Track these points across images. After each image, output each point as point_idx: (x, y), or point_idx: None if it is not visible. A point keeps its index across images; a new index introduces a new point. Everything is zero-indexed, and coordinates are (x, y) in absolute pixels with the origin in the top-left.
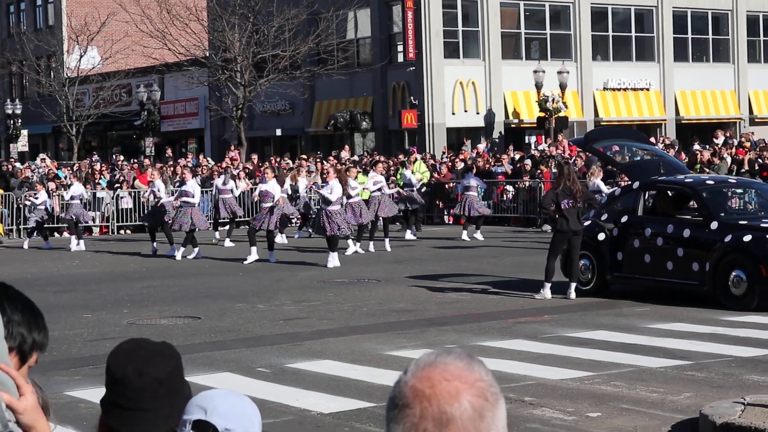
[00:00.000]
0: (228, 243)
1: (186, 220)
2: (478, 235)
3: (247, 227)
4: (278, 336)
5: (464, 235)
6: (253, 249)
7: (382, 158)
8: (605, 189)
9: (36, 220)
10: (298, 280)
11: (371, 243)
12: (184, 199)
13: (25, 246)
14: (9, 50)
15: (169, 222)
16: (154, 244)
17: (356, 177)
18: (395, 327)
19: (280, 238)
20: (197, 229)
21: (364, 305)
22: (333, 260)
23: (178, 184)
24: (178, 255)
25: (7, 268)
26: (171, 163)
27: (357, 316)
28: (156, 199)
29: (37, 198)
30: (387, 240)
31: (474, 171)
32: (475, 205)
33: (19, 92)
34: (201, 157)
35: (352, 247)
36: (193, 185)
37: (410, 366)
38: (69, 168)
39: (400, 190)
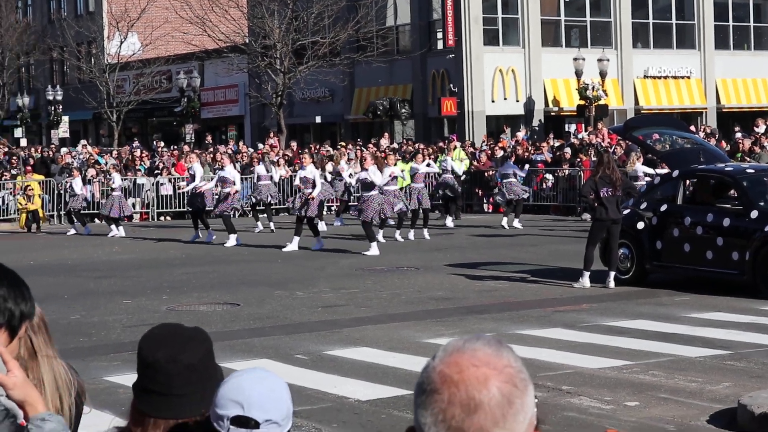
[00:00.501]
0: (272, 226)
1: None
2: (517, 224)
3: (291, 215)
4: (317, 323)
5: (504, 222)
6: (296, 239)
7: (422, 146)
8: (649, 170)
9: (72, 207)
10: (337, 268)
11: (411, 231)
12: (227, 190)
13: (71, 233)
14: (50, 36)
15: (211, 208)
16: (198, 232)
17: (395, 164)
18: (434, 315)
19: (321, 225)
20: (236, 214)
21: (402, 293)
22: (372, 248)
23: (217, 169)
24: (229, 242)
25: (48, 253)
26: (210, 149)
27: (395, 304)
28: (192, 184)
29: (74, 183)
30: (426, 229)
31: (513, 159)
32: (513, 188)
33: (60, 78)
34: (241, 143)
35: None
36: (231, 171)
37: (438, 352)
38: (109, 154)
39: (442, 176)
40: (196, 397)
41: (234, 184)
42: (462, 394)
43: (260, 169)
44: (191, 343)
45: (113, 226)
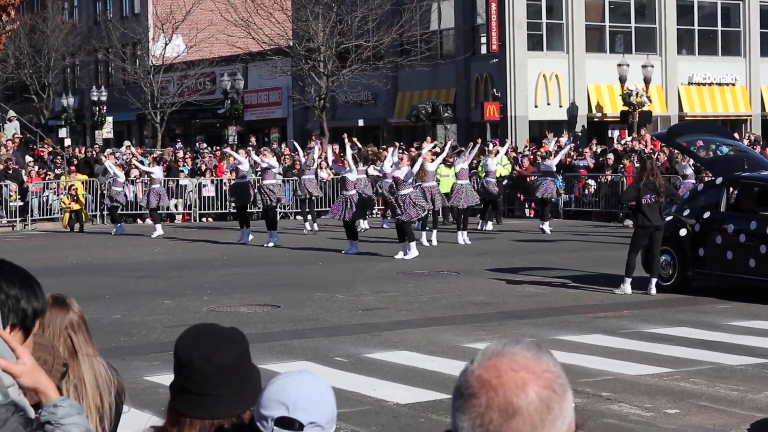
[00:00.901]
0: (315, 227)
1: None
2: (545, 227)
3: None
4: (356, 326)
5: (546, 227)
6: (354, 242)
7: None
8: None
9: (111, 205)
10: (377, 271)
11: (434, 233)
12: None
13: (114, 232)
14: (95, 38)
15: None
16: (246, 231)
17: (432, 161)
18: (473, 319)
19: (363, 224)
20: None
21: (442, 297)
22: (411, 250)
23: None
24: (270, 243)
25: (90, 253)
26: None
27: (435, 308)
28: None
29: (107, 166)
30: (465, 232)
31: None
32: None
33: (104, 79)
34: (283, 146)
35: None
36: (273, 162)
37: (477, 355)
38: (152, 155)
39: (484, 179)
40: (231, 397)
41: (278, 174)
42: (500, 398)
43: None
44: (227, 344)
45: (158, 226)
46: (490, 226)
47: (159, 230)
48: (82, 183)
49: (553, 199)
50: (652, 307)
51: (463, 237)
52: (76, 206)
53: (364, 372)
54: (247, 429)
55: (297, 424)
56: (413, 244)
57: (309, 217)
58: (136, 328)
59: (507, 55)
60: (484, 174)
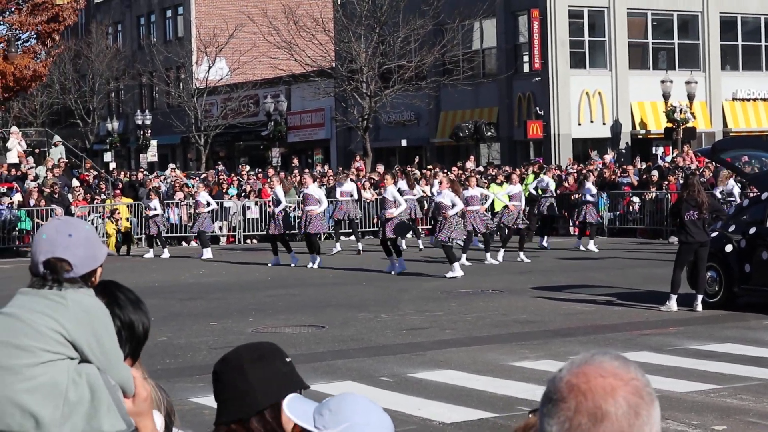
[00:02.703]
0: (359, 246)
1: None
2: (591, 246)
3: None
4: (401, 345)
5: (591, 246)
6: (400, 259)
7: (512, 169)
8: (737, 191)
9: (149, 234)
10: (421, 290)
11: (488, 254)
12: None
13: (165, 255)
14: (139, 62)
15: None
16: (291, 254)
17: (477, 185)
18: (518, 338)
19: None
20: (317, 235)
21: (487, 316)
22: (455, 270)
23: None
24: (314, 265)
25: (135, 276)
26: (296, 173)
27: (480, 327)
28: (273, 209)
29: (152, 208)
30: (501, 251)
31: (591, 181)
32: (587, 213)
33: (149, 103)
34: (327, 167)
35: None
36: (314, 189)
37: (565, 364)
38: (197, 178)
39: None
40: (231, 404)
41: (319, 203)
42: (589, 403)
43: (344, 187)
44: (228, 355)
45: (205, 250)
46: (544, 242)
47: (208, 253)
48: (127, 206)
49: (594, 221)
50: (699, 324)
51: (520, 256)
52: (125, 227)
53: (408, 391)
54: None
55: None
56: (456, 265)
57: (350, 238)
58: (181, 350)
59: (549, 73)
60: (540, 192)
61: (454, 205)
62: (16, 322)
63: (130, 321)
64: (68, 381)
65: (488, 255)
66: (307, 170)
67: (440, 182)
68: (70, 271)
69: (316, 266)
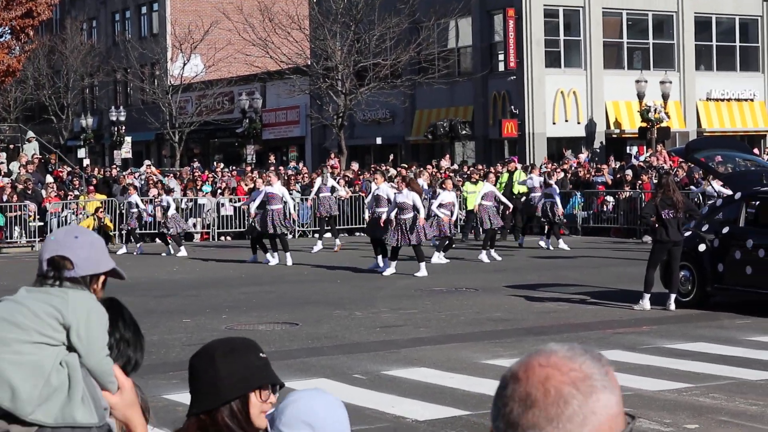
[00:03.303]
0: (337, 242)
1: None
2: (562, 244)
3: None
4: (375, 343)
5: (561, 244)
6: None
7: (486, 168)
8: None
9: (127, 228)
10: (395, 288)
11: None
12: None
13: (136, 253)
14: (114, 58)
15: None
16: (267, 255)
17: (452, 187)
18: (492, 336)
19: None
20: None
21: (461, 314)
22: (421, 269)
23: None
24: (288, 261)
25: None
26: (272, 169)
27: (454, 325)
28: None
29: (131, 200)
30: (485, 252)
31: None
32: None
33: (123, 100)
34: (301, 164)
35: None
36: (279, 188)
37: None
38: (172, 175)
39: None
40: (196, 394)
41: (283, 201)
42: (521, 389)
43: (319, 182)
44: (204, 348)
45: (182, 248)
46: (542, 242)
47: (183, 251)
48: (101, 203)
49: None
50: (672, 323)
51: (482, 255)
52: (110, 224)
53: (382, 389)
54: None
55: None
56: (423, 265)
57: (326, 235)
58: (155, 346)
59: (525, 72)
60: (527, 190)
61: (415, 206)
62: (17, 305)
63: (129, 339)
64: (53, 367)
65: (436, 255)
66: (272, 168)
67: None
68: (72, 270)
69: (282, 262)
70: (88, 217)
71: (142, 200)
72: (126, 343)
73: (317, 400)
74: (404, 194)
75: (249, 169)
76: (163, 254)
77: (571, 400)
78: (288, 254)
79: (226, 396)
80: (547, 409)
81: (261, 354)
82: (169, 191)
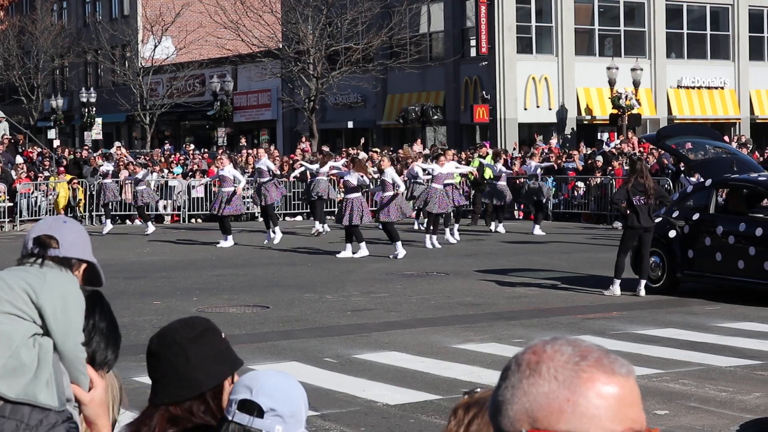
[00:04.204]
0: (326, 228)
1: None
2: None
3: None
4: (346, 327)
5: (536, 230)
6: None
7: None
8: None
9: (102, 203)
10: (366, 272)
11: (434, 237)
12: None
13: (104, 232)
14: (84, 39)
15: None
16: (270, 232)
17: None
18: (463, 320)
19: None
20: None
21: (431, 298)
22: (398, 248)
23: (249, 173)
24: (225, 244)
25: None
26: (243, 152)
27: (424, 309)
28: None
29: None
30: (447, 230)
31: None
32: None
33: (93, 81)
34: (272, 147)
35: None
36: (230, 170)
37: None
38: (143, 156)
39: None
40: (171, 384)
41: (235, 183)
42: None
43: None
44: (164, 332)
45: (149, 223)
46: (501, 228)
47: (151, 227)
48: (68, 183)
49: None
50: (641, 309)
51: (431, 240)
52: (82, 196)
53: (353, 373)
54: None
55: (257, 409)
56: (399, 244)
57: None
58: (125, 328)
59: (496, 58)
60: (492, 177)
61: (395, 183)
62: None
63: (103, 329)
64: (21, 340)
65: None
66: (223, 150)
67: (382, 161)
68: (57, 249)
69: (227, 245)
70: (61, 185)
71: (115, 182)
72: (100, 333)
73: (264, 371)
74: (351, 174)
75: (220, 151)
76: (149, 231)
77: (510, 375)
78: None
79: (201, 386)
80: (501, 375)
81: (222, 335)
82: (144, 166)
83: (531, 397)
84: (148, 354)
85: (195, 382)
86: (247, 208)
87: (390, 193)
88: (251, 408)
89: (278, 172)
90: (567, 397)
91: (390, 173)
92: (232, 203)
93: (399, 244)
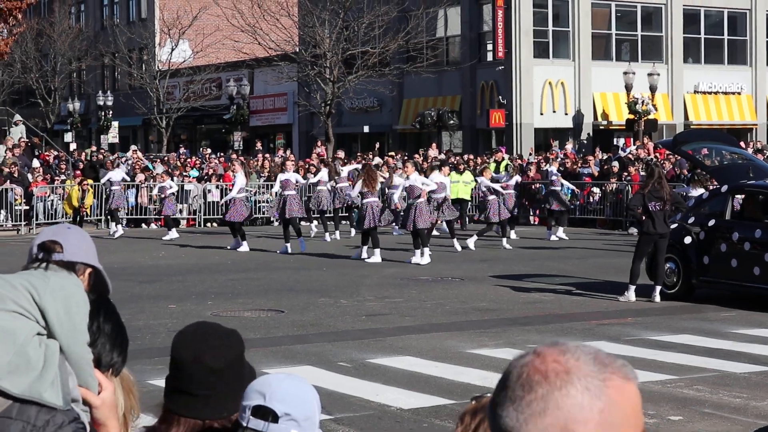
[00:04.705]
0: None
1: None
2: (561, 233)
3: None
4: (360, 331)
5: (551, 236)
6: (376, 251)
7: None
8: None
9: (111, 207)
10: (381, 277)
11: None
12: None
13: (118, 234)
14: (102, 42)
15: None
16: (287, 245)
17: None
18: (477, 325)
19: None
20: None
21: (446, 303)
22: (416, 257)
23: (264, 178)
24: (242, 248)
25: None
26: (259, 157)
27: (439, 314)
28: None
29: (111, 176)
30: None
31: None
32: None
33: (110, 84)
34: (288, 152)
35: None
36: (240, 179)
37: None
38: (159, 161)
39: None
40: (220, 400)
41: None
42: (506, 370)
43: (322, 175)
44: (220, 347)
45: (173, 230)
46: (562, 232)
47: (174, 234)
48: (78, 185)
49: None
50: (656, 315)
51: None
52: (89, 202)
53: (367, 377)
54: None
55: (271, 415)
56: (377, 251)
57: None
58: (140, 332)
59: (513, 63)
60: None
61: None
62: None
63: (108, 330)
64: (26, 339)
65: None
66: (237, 155)
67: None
68: (61, 253)
69: (243, 249)
70: (73, 187)
71: (127, 185)
72: (105, 335)
73: (276, 375)
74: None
75: (235, 156)
76: (171, 237)
77: (537, 387)
78: (289, 244)
79: (230, 411)
80: (513, 390)
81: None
82: (171, 175)
83: (565, 410)
84: (210, 371)
85: (226, 405)
86: (263, 213)
87: (423, 200)
88: (266, 414)
89: (303, 181)
90: (600, 408)
91: (416, 178)
92: (231, 209)
93: (426, 250)
